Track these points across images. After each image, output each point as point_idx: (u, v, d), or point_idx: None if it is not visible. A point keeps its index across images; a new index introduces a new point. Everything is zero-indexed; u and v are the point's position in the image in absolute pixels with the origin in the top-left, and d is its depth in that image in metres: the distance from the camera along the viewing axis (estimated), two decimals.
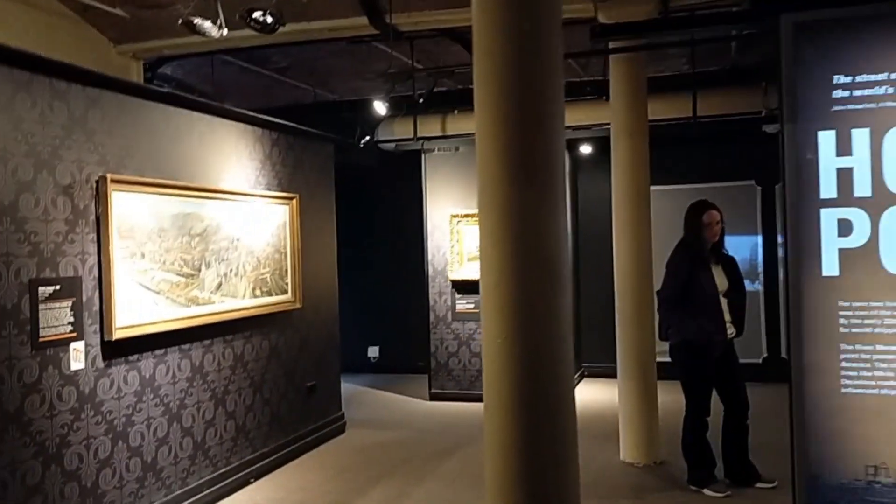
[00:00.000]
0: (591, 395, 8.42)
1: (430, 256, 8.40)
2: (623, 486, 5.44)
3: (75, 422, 4.14)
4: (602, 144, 9.02)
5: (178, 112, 5.06)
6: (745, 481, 5.14)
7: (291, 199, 6.25)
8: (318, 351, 6.75)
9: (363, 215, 9.65)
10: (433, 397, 8.35)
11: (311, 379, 6.61)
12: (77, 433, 4.16)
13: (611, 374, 9.19)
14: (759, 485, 5.11)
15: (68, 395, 4.11)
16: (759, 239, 8.92)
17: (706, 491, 5.10)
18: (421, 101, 6.86)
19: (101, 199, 4.31)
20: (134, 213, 4.56)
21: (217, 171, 5.45)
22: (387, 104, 6.91)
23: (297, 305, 6.28)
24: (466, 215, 8.19)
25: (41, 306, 3.95)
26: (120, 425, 4.46)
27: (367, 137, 8.22)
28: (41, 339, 3.95)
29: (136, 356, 4.61)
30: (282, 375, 6.16)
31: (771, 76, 6.84)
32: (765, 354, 8.74)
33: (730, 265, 5.19)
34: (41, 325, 3.95)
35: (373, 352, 10.27)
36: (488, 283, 3.10)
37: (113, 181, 4.35)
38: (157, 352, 4.79)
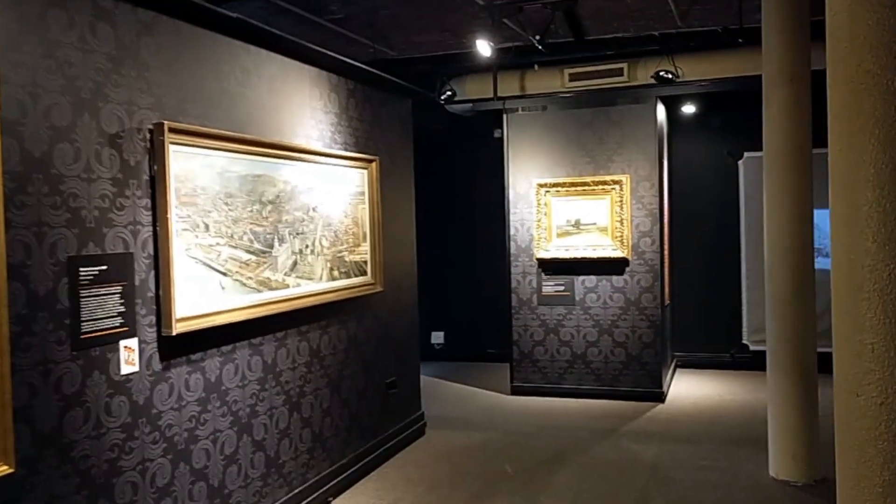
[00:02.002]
0: (698, 389, 7.38)
1: (512, 231, 7.38)
2: None
3: (127, 441, 3.21)
4: (707, 103, 7.93)
5: (247, 49, 4.06)
6: None
7: (371, 161, 5.25)
8: (398, 341, 5.78)
9: (431, 184, 8.61)
10: (515, 391, 7.37)
11: (392, 373, 5.65)
12: (130, 456, 3.22)
13: (701, 364, 8.30)
14: None
15: (118, 408, 3.17)
16: None
17: None
18: (538, 38, 5.77)
19: (156, 153, 3.33)
20: (196, 172, 3.58)
21: (290, 124, 4.46)
22: (491, 45, 5.84)
23: (378, 289, 5.30)
24: (556, 184, 7.15)
25: (83, 293, 3.00)
26: (181, 442, 3.52)
27: (450, 92, 7.17)
28: (84, 336, 3.00)
29: (199, 354, 3.66)
30: (361, 371, 5.21)
31: None
32: None
33: None
34: (84, 318, 3.00)
35: (437, 337, 9.31)
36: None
37: (171, 131, 3.38)
38: (224, 348, 3.84)
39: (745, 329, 8.15)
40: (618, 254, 6.94)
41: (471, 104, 7.56)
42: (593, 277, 7.11)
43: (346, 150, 5.03)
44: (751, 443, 5.58)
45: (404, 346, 5.91)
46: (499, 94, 7.31)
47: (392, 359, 5.67)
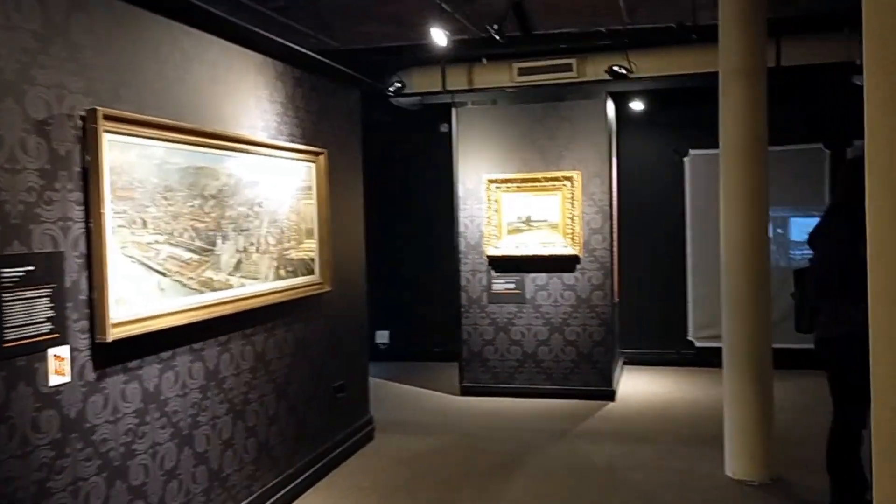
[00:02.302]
0: (647, 387, 7.35)
1: (461, 228, 7.21)
2: None
3: (58, 459, 2.91)
4: (655, 100, 7.91)
5: (187, 32, 3.77)
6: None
7: (319, 154, 5.00)
8: (346, 342, 5.54)
9: (377, 179, 8.36)
10: (465, 391, 7.20)
11: (340, 377, 5.41)
12: (60, 476, 2.92)
13: (648, 361, 8.28)
14: None
15: (48, 423, 2.86)
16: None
17: None
18: (496, 28, 5.59)
19: (89, 142, 3.03)
20: (133, 164, 3.29)
21: (234, 113, 4.18)
22: (447, 34, 5.63)
23: (326, 288, 5.06)
24: (506, 180, 7.01)
25: (6, 296, 2.69)
26: (117, 458, 3.23)
27: (399, 84, 6.95)
28: (7, 345, 2.69)
29: (136, 362, 3.37)
30: (308, 375, 4.96)
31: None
32: None
33: None
34: (7, 325, 2.69)
35: (381, 337, 9.08)
36: None
37: (106, 118, 3.08)
38: (164, 354, 3.55)
39: (690, 326, 8.18)
40: (569, 251, 6.84)
41: (419, 97, 7.36)
42: (544, 275, 7.00)
43: (292, 141, 4.77)
44: (704, 442, 5.54)
45: (352, 348, 5.68)
46: (447, 88, 7.15)
47: (340, 361, 5.43)
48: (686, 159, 8.16)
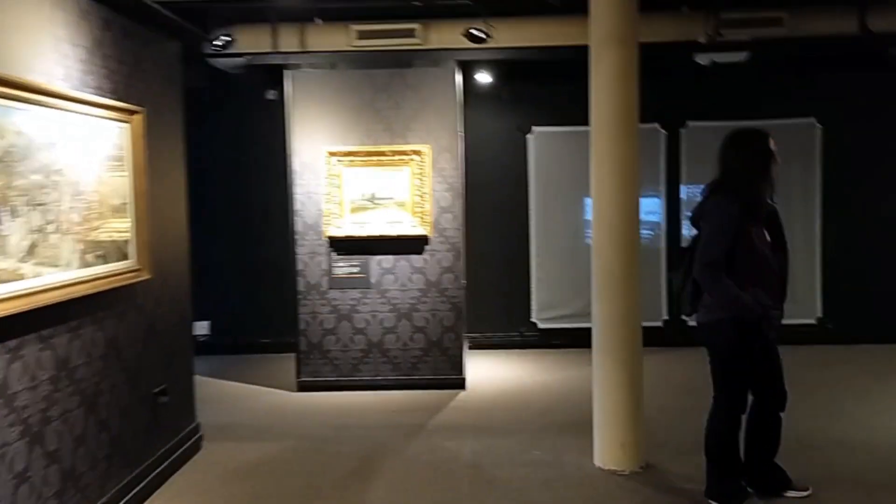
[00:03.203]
0: (495, 372, 7.04)
1: (297, 206, 6.48)
2: None
3: None
4: (502, 74, 7.58)
5: None
6: (772, 489, 4.02)
7: (133, 114, 4.12)
8: (167, 339, 4.70)
9: (198, 150, 7.40)
10: (303, 387, 6.52)
11: (160, 380, 4.57)
12: None
13: (491, 344, 7.99)
14: (790, 493, 4.00)
15: None
16: (663, 196, 7.92)
17: None
18: None
19: None
20: None
21: (24, 55, 3.25)
22: None
23: (145, 276, 4.21)
24: (349, 153, 6.38)
25: None
26: None
27: (228, 38, 6.05)
28: None
29: None
30: (123, 381, 4.10)
31: None
32: (665, 317, 7.86)
33: (772, 216, 3.96)
34: None
35: (201, 328, 8.12)
36: None
37: None
38: None
39: (534, 307, 7.99)
40: (418, 231, 6.35)
41: (247, 58, 6.50)
42: (391, 257, 6.46)
43: (101, 96, 3.86)
44: (567, 430, 5.29)
45: (175, 345, 4.85)
46: (279, 49, 6.37)
47: (161, 362, 4.59)
48: (530, 136, 7.92)
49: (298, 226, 6.47)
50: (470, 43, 5.75)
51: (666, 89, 7.60)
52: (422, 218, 6.35)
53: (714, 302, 3.76)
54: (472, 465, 4.71)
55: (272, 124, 7.58)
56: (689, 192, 7.83)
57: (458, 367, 6.51)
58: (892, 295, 7.74)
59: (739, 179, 3.77)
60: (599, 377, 4.57)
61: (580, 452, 4.78)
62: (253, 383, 6.86)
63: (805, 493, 4.02)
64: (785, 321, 3.95)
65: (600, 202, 4.52)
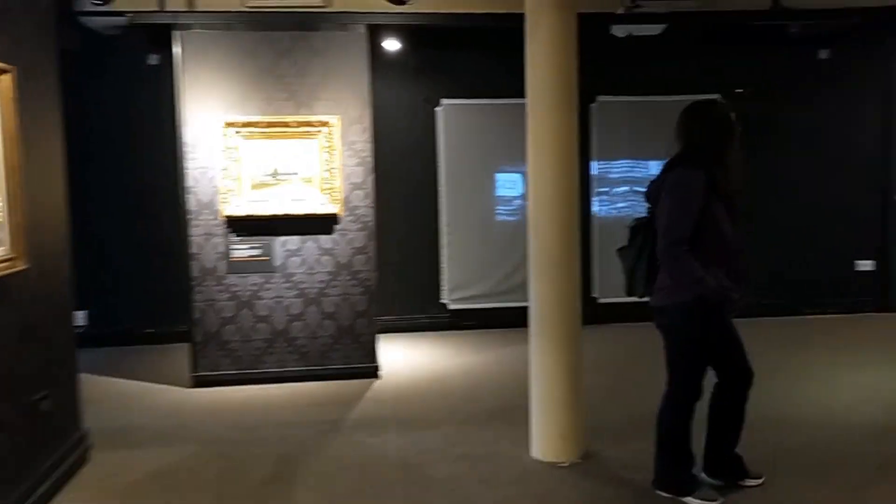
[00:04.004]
0: (408, 358, 6.67)
1: (190, 182, 5.84)
2: (557, 501, 3.86)
3: None
4: (413, 39, 7.16)
5: None
6: (730, 478, 3.85)
7: (2, 73, 3.44)
8: (46, 336, 4.04)
9: (74, 121, 6.61)
10: (199, 382, 5.93)
11: (40, 385, 3.92)
12: None
13: (399, 328, 7.58)
14: (747, 482, 3.87)
15: None
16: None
17: (691, 500, 3.73)
18: None
19: None
20: None
21: None
22: None
23: (20, 266, 3.55)
24: (248, 124, 5.79)
25: None
26: None
27: None
28: None
29: None
30: None
31: None
32: None
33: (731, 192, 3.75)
34: None
35: (79, 318, 7.30)
36: None
37: None
38: None
39: (444, 288, 7.67)
40: (327, 209, 5.85)
41: (127, 16, 5.77)
42: (297, 238, 5.93)
43: None
44: (494, 419, 5.00)
45: (55, 343, 4.19)
46: (165, 7, 5.71)
47: (39, 363, 3.94)
48: (438, 109, 7.53)
49: (192, 204, 5.84)
50: (387, 4, 5.29)
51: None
52: (331, 195, 5.86)
53: (674, 283, 3.52)
54: (402, 464, 4.33)
55: (158, 92, 6.92)
56: (601, 168, 7.69)
57: (372, 354, 6.09)
58: (793, 266, 7.92)
59: (704, 153, 3.53)
60: (538, 363, 4.29)
61: (514, 444, 4.50)
62: (142, 379, 6.19)
63: (760, 481, 3.87)
64: None
65: (538, 178, 4.21)
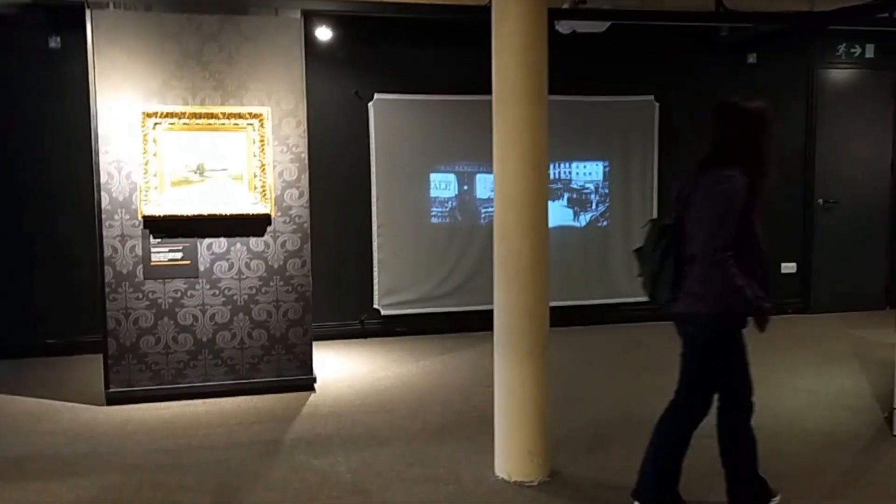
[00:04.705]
0: (342, 367, 6.27)
1: (103, 179, 5.25)
2: None
3: None
4: (342, 32, 6.78)
5: None
6: (759, 500, 3.55)
7: None
8: None
9: None
10: (114, 399, 5.34)
11: None
12: None
13: (328, 335, 7.12)
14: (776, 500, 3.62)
15: None
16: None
17: None
18: None
19: None
20: None
21: None
22: None
23: None
24: (170, 115, 5.25)
25: None
26: None
27: None
28: None
29: None
30: None
31: None
32: None
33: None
34: None
35: None
36: None
37: None
38: None
39: (376, 292, 7.29)
40: (258, 209, 5.39)
41: None
42: (224, 240, 5.44)
43: None
44: (447, 435, 4.70)
45: None
46: None
47: None
48: (370, 104, 7.15)
49: (106, 202, 5.25)
50: None
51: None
52: (262, 193, 5.40)
53: (705, 291, 3.24)
54: (357, 489, 3.95)
55: (60, 79, 6.28)
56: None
57: (307, 365, 5.66)
58: None
59: (742, 152, 3.28)
60: (504, 377, 4.00)
61: (474, 462, 4.22)
62: (48, 396, 5.53)
63: (778, 499, 3.66)
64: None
65: (505, 178, 3.92)
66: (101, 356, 5.39)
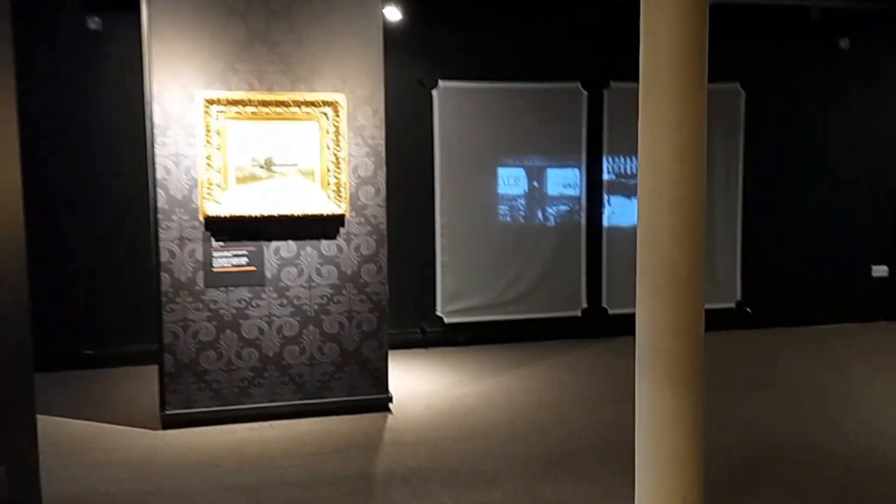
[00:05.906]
0: (413, 383, 5.70)
1: (160, 174, 4.66)
2: None
3: None
4: (416, 11, 6.19)
5: None
6: None
7: None
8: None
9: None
10: (171, 422, 4.76)
11: None
12: None
13: (388, 344, 6.54)
14: None
15: None
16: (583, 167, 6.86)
17: None
18: None
19: None
20: None
21: None
22: None
23: None
24: (234, 102, 4.66)
25: None
26: None
27: None
28: None
29: None
30: None
31: None
32: (584, 306, 6.85)
33: None
34: None
35: None
36: None
37: None
38: None
39: (439, 298, 6.71)
40: (331, 209, 4.80)
41: None
42: (293, 244, 4.86)
43: None
44: (559, 469, 4.11)
45: (10, 391, 3.01)
46: None
47: None
48: (434, 92, 6.56)
49: (162, 201, 4.67)
50: None
51: (588, 44, 6.59)
52: (336, 191, 4.81)
53: None
54: None
55: (103, 63, 5.72)
56: (614, 164, 6.90)
57: (382, 383, 5.08)
58: (807, 274, 7.41)
59: None
60: (651, 410, 3.41)
61: (613, 499, 3.64)
62: (93, 419, 4.95)
63: None
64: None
65: (656, 173, 3.33)
66: (147, 368, 4.86)
